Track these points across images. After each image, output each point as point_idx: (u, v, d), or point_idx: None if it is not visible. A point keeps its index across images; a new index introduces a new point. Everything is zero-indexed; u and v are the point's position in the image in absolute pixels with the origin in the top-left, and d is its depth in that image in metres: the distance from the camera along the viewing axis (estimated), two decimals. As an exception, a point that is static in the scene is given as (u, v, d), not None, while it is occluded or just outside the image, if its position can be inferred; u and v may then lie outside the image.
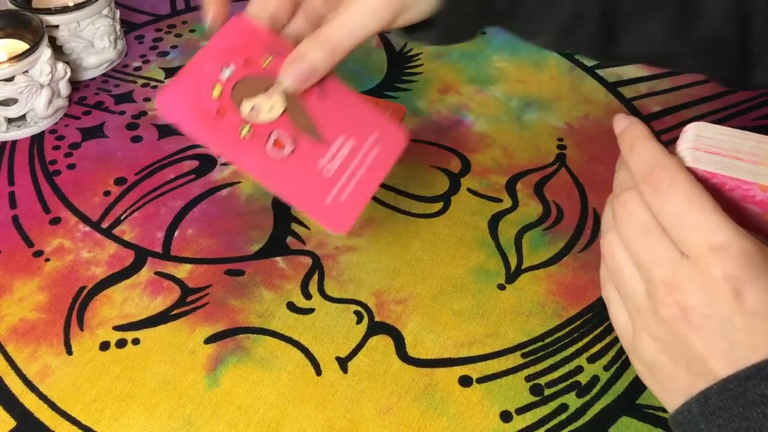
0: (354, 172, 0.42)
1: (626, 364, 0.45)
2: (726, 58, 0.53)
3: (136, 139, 0.61)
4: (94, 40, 0.66)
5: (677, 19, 0.52)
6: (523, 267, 0.51)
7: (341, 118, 0.42)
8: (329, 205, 0.41)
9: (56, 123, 0.63)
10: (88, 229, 0.54)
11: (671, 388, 0.36)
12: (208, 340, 0.47)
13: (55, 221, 0.54)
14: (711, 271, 0.32)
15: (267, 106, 0.41)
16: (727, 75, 0.56)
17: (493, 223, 0.54)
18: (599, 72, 0.68)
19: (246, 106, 0.40)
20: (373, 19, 0.43)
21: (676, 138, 0.38)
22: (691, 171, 0.35)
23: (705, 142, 0.36)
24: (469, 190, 0.57)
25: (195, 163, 0.59)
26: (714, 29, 0.52)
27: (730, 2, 0.51)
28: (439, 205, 0.56)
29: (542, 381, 0.45)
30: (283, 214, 0.55)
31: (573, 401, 0.44)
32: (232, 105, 0.40)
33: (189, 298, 0.49)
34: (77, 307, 0.49)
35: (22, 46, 0.61)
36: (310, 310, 0.49)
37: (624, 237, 0.36)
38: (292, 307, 0.49)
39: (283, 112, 0.41)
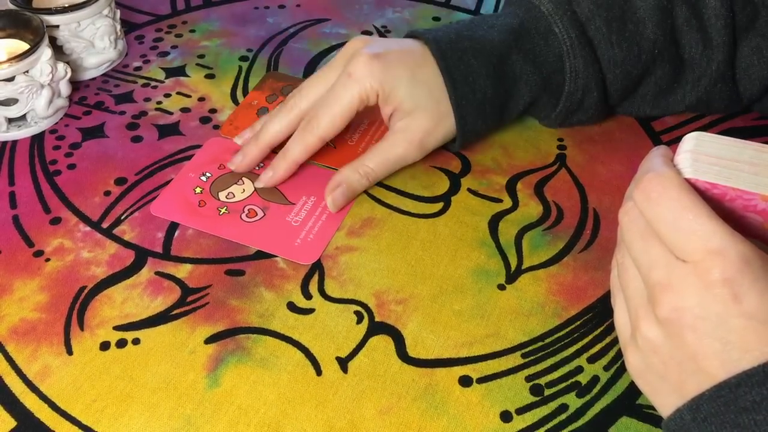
0: (318, 219, 0.54)
1: (626, 364, 0.45)
2: (719, 107, 0.58)
3: (137, 139, 0.61)
4: (94, 40, 0.66)
5: (666, 86, 0.57)
6: (523, 267, 0.51)
7: (303, 185, 0.56)
8: (299, 245, 0.52)
9: (56, 123, 0.63)
10: (88, 229, 0.54)
11: (662, 390, 0.36)
12: (209, 340, 0.47)
13: (56, 221, 0.54)
14: (709, 274, 0.32)
15: (240, 191, 0.55)
16: (729, 113, 0.60)
17: (493, 223, 0.54)
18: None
19: (222, 195, 0.55)
20: (403, 161, 0.55)
21: (677, 137, 0.38)
22: (691, 182, 0.35)
23: (704, 152, 0.35)
24: (469, 190, 0.57)
25: (195, 163, 0.59)
26: (701, 91, 0.56)
27: (717, 67, 0.55)
28: (439, 205, 0.56)
29: (542, 381, 0.45)
30: (283, 214, 0.55)
31: (573, 401, 0.45)
32: (211, 196, 0.55)
33: (189, 298, 0.49)
34: (77, 307, 0.49)
35: (22, 46, 0.61)
36: (311, 310, 0.49)
37: (627, 243, 0.36)
38: (292, 307, 0.49)
39: (253, 192, 0.55)
